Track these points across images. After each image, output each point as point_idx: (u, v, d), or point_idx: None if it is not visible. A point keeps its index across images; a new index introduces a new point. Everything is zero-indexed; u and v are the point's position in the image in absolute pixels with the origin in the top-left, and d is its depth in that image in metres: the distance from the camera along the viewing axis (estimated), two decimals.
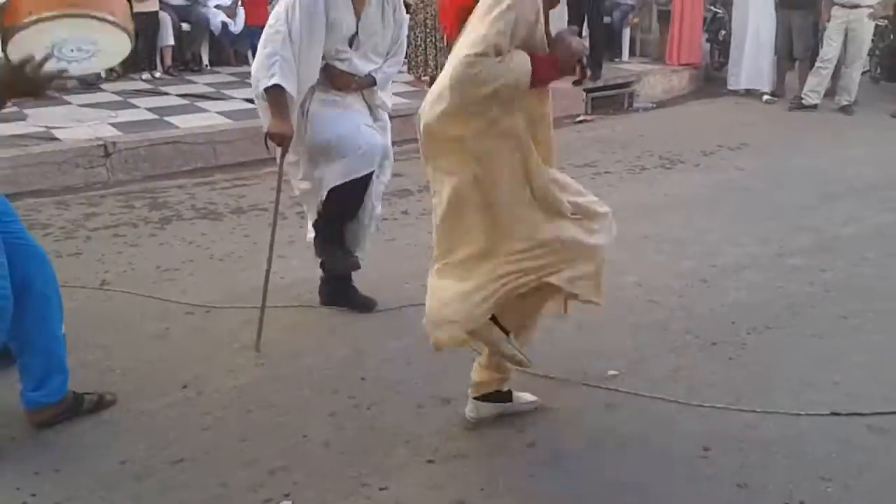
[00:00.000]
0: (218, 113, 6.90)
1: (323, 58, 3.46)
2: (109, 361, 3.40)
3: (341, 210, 3.69)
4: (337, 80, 3.52)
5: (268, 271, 3.61)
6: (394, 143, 6.70)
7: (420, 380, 3.29)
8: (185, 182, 5.85)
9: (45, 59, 2.43)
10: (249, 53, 8.80)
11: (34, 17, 2.53)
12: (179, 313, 3.85)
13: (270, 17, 3.41)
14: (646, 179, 6.13)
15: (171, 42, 8.43)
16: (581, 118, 8.13)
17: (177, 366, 3.38)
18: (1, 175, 5.43)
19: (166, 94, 7.59)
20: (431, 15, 7.90)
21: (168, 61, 8.49)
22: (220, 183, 5.86)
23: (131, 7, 2.95)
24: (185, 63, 8.77)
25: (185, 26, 8.61)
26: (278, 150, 3.54)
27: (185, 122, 6.56)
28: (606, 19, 9.39)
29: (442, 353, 3.47)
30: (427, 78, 8.08)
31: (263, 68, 3.33)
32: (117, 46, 2.83)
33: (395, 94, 7.77)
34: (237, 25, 8.72)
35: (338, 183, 3.55)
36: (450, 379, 3.27)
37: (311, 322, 3.79)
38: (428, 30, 7.90)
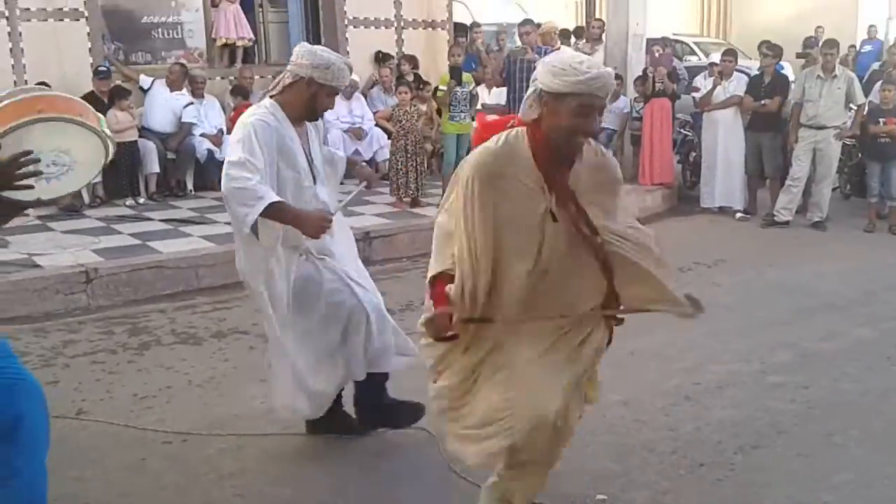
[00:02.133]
0: (201, 237, 6.96)
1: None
2: (84, 495, 3.29)
3: None
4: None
5: None
6: (376, 262, 6.90)
7: None
8: (166, 306, 5.83)
9: (23, 153, 2.36)
10: None
11: (2, 129, 2.43)
12: (157, 442, 3.77)
13: (229, 156, 3.23)
14: None
15: (157, 169, 8.59)
16: None
17: (152, 498, 3.28)
18: None
19: (150, 219, 7.67)
20: (412, 141, 8.14)
21: (152, 188, 8.62)
22: (201, 306, 5.85)
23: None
24: (169, 189, 8.90)
25: (170, 154, 8.80)
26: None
27: (168, 247, 6.61)
28: None
29: (426, 478, 3.43)
30: (408, 199, 8.24)
31: (241, 199, 3.13)
32: (94, 154, 2.72)
33: (377, 215, 7.92)
34: (223, 153, 8.91)
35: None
36: None
37: (294, 449, 3.71)
38: (409, 154, 8.12)
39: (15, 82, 8.10)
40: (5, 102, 2.61)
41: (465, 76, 8.58)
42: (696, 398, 4.25)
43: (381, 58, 10.41)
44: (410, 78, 9.55)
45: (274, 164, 3.27)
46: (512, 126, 2.52)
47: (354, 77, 9.83)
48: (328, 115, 9.57)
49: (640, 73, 9.73)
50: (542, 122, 2.41)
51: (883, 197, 8.65)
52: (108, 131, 2.75)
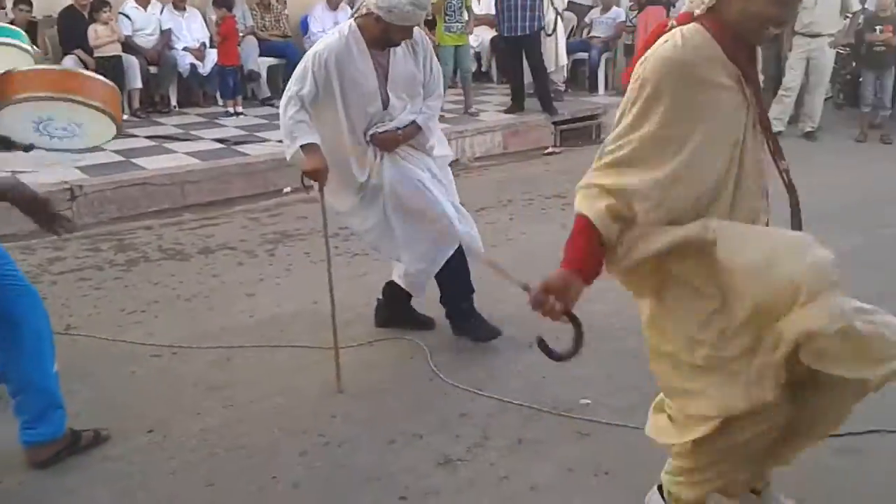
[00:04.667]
0: (185, 154, 6.87)
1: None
2: (75, 406, 3.30)
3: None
4: (382, 142, 3.57)
5: (333, 308, 3.49)
6: None
7: (392, 415, 3.24)
8: (152, 223, 5.80)
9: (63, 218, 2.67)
10: (218, 94, 8.82)
11: (25, 95, 2.69)
12: (145, 356, 3.79)
13: (293, 78, 3.48)
14: None
15: (139, 85, 8.42)
16: (550, 150, 8.20)
17: (143, 410, 3.31)
18: None
19: (134, 136, 7.55)
20: None
21: (136, 104, 8.47)
22: (187, 223, 5.82)
23: (106, 80, 3.04)
24: (153, 105, 8.75)
25: (152, 69, 8.61)
26: (316, 186, 3.52)
27: (153, 164, 6.53)
28: (583, 55, 9.67)
29: (412, 386, 3.47)
30: None
31: (287, 135, 3.45)
32: (102, 130, 2.98)
33: None
34: (206, 67, 8.73)
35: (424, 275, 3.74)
36: (421, 413, 3.24)
37: (280, 361, 3.74)
38: None
39: None
40: (42, 67, 2.95)
41: None
42: None
43: None
44: None
45: (334, 90, 3.44)
46: (671, 28, 2.06)
47: None
48: (313, 26, 9.45)
49: None
50: (724, 10, 1.98)
51: (876, 107, 8.57)
52: (121, 115, 3.03)
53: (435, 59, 3.72)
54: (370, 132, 3.56)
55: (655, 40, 2.05)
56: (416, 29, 3.59)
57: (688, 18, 2.04)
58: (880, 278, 4.68)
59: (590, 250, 2.06)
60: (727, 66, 2.00)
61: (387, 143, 3.58)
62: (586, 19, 10.11)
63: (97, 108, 2.84)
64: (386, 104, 3.56)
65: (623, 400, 3.32)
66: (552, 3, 8.67)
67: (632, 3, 9.52)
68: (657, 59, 1.97)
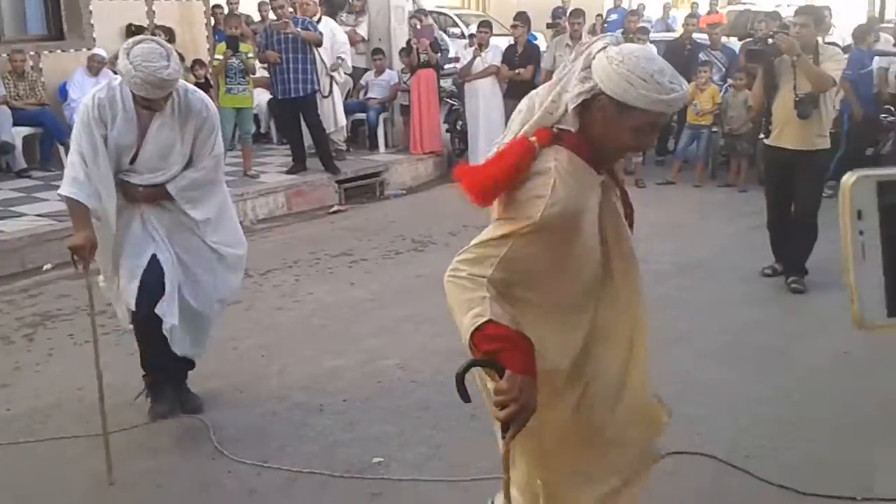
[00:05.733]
0: None
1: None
2: None
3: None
4: (125, 191, 3.48)
5: (101, 389, 3.18)
6: None
7: None
8: None
9: None
10: None
11: None
12: None
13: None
14: (400, 263, 6.24)
15: None
16: (335, 209, 8.19)
17: None
18: None
19: None
20: None
21: None
22: None
23: None
24: None
25: None
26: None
27: None
28: (362, 115, 9.84)
29: (193, 468, 3.25)
30: None
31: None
32: None
33: None
34: None
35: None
36: (205, 497, 3.05)
37: (42, 457, 3.37)
38: None
39: None
40: None
41: (244, 46, 8.25)
42: (466, 353, 4.34)
43: (133, 31, 9.71)
44: None
45: (98, 146, 3.35)
46: (531, 147, 1.92)
47: (100, 51, 9.16)
48: (72, 93, 8.93)
49: (405, 45, 9.82)
50: (589, 128, 1.93)
51: (628, 155, 9.38)
52: None
53: (216, 133, 3.54)
54: (119, 175, 3.49)
55: (517, 158, 1.90)
56: (200, 98, 3.50)
57: (548, 136, 1.94)
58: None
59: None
60: (592, 177, 1.98)
61: (127, 194, 3.50)
62: (362, 81, 10.31)
63: None
64: (133, 160, 3.44)
65: (414, 454, 3.30)
66: (326, 69, 8.75)
67: (404, 67, 9.83)
68: (553, 193, 1.86)
